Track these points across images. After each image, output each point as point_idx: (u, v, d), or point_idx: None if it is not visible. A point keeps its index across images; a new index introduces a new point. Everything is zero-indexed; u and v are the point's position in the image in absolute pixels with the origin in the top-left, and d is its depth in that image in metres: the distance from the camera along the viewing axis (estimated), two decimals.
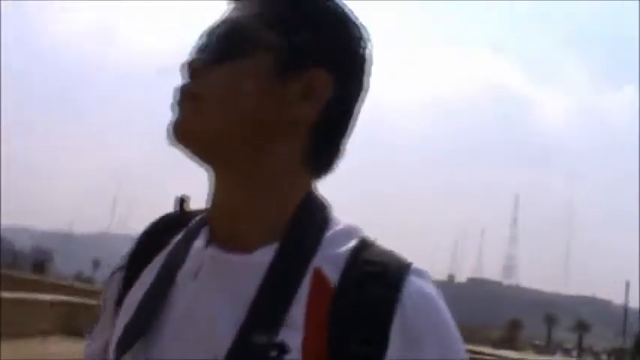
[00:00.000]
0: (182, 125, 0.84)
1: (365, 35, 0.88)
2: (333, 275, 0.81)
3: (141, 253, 0.95)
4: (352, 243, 0.84)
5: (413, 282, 0.81)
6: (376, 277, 0.80)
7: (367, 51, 0.89)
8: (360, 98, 0.89)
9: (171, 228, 0.94)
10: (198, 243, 0.88)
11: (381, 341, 0.77)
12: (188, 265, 0.86)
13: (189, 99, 0.84)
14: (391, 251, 0.85)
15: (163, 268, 0.89)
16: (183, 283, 0.85)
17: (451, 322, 0.83)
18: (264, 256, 0.82)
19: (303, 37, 0.84)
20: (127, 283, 0.93)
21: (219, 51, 0.85)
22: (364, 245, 0.85)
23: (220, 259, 0.84)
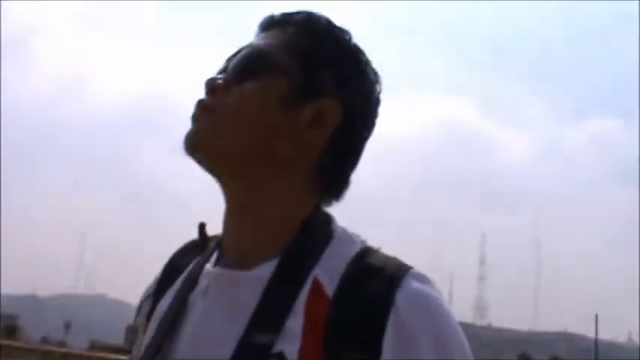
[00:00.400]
0: (194, 136, 0.90)
1: (378, 80, 0.95)
2: (332, 284, 0.84)
3: (166, 278, 1.00)
4: (353, 252, 0.88)
5: (409, 284, 0.83)
6: (372, 282, 0.83)
7: (377, 94, 0.95)
8: (367, 135, 0.95)
9: (193, 252, 0.99)
10: (210, 263, 0.94)
11: (375, 345, 0.79)
12: (200, 285, 0.91)
13: (204, 111, 0.90)
14: (393, 257, 0.88)
15: (180, 290, 0.94)
16: (195, 302, 0.90)
17: (450, 323, 0.83)
18: (265, 270, 0.86)
19: (320, 68, 0.90)
20: (154, 307, 0.98)
21: (239, 70, 0.90)
22: (365, 253, 0.88)
23: (225, 276, 0.89)
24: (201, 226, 0.98)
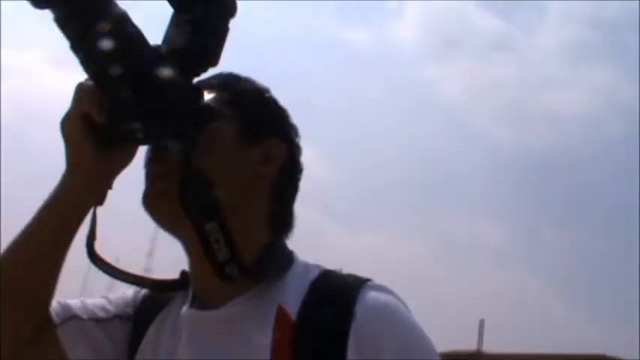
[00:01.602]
0: (150, 196, 0.94)
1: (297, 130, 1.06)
2: (294, 309, 0.87)
3: (146, 310, 1.02)
4: (313, 276, 0.92)
5: (367, 295, 0.86)
6: (332, 302, 0.86)
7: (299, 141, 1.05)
8: (301, 166, 1.03)
9: (173, 294, 1.02)
10: (186, 305, 0.96)
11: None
12: (172, 327, 0.96)
13: (155, 162, 0.95)
14: (350, 274, 0.92)
15: (154, 330, 0.98)
16: (167, 343, 0.95)
17: (410, 326, 0.87)
18: (233, 309, 0.90)
19: (256, 113, 0.99)
20: (135, 334, 1.00)
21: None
22: (324, 275, 0.92)
23: (195, 317, 0.93)
24: (183, 273, 1.01)
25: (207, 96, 0.96)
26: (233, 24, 0.89)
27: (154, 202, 0.94)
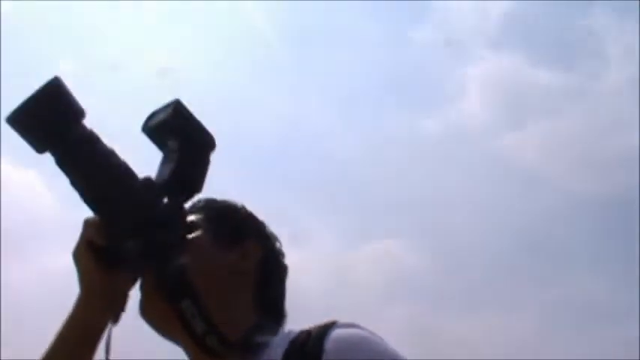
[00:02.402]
0: (144, 304, 1.06)
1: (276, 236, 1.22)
2: None
3: None
4: (292, 335, 1.01)
5: (335, 331, 0.95)
6: (306, 346, 0.96)
7: (280, 245, 1.20)
8: (282, 259, 1.18)
9: None
10: None
11: None
12: None
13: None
14: (322, 322, 0.99)
15: None
16: None
17: (380, 351, 0.94)
18: None
19: (230, 224, 1.15)
20: None
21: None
22: (299, 334, 1.00)
23: None
24: None
25: (190, 217, 1.13)
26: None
27: (148, 308, 1.06)
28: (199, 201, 1.17)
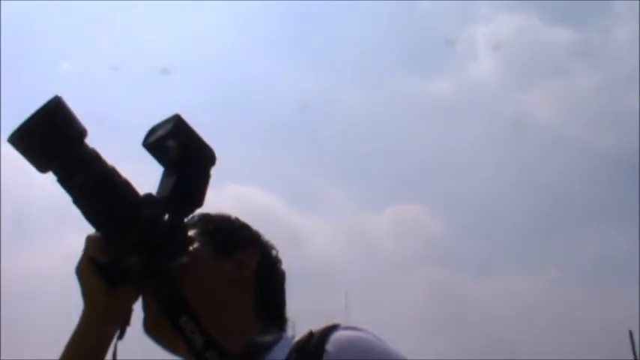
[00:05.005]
0: (148, 321, 1.10)
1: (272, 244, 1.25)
2: None
3: None
4: (292, 344, 1.03)
5: (336, 334, 0.98)
6: (308, 348, 0.99)
7: (277, 252, 1.24)
8: (279, 266, 1.22)
9: None
10: None
11: None
12: None
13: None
14: (324, 326, 1.02)
15: None
16: None
17: (380, 352, 0.97)
18: None
19: (226, 236, 1.18)
20: None
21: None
22: (306, 334, 1.03)
23: None
24: None
25: (190, 232, 1.16)
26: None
27: (152, 325, 1.10)
28: (193, 216, 1.19)
